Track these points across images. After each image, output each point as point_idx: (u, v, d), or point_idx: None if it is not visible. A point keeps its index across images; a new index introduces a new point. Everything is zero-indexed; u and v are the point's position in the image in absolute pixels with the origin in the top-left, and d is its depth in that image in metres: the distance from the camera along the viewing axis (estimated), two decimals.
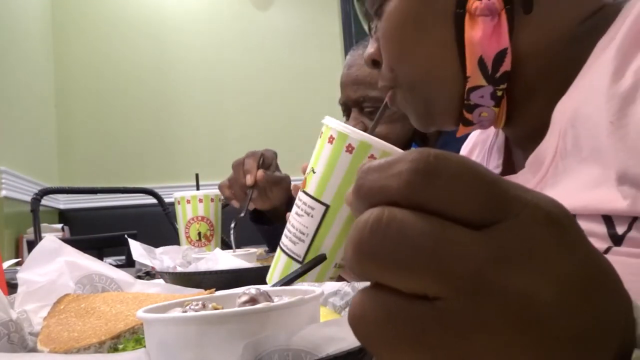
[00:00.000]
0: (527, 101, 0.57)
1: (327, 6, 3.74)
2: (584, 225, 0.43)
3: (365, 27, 0.65)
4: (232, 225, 1.04)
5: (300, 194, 0.59)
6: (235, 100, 3.47)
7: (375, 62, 0.63)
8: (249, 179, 1.09)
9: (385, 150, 0.55)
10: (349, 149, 0.55)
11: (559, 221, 0.21)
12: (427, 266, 0.19)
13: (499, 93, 0.55)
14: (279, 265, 0.60)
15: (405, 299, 0.20)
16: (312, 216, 0.57)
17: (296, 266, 0.58)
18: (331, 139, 0.57)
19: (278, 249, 0.61)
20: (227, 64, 3.49)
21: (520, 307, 0.19)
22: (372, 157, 0.55)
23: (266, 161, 1.11)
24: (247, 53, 3.52)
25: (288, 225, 0.60)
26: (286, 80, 3.52)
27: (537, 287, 0.19)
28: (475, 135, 0.76)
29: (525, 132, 0.60)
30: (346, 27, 3.73)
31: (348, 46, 3.66)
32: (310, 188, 0.58)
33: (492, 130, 0.71)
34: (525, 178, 0.53)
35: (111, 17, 3.39)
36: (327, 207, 0.56)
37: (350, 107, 1.24)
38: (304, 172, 0.60)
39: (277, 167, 1.16)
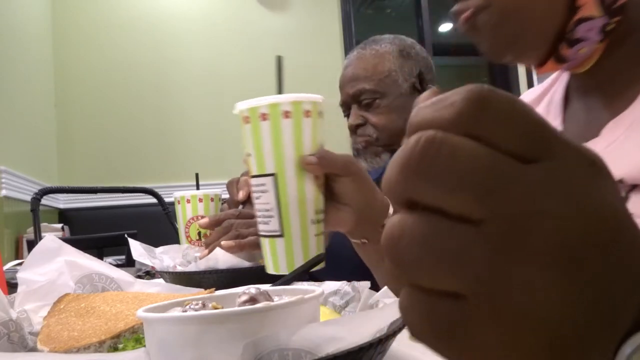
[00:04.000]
0: (619, 45, 0.54)
1: (327, 6, 3.74)
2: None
3: None
4: None
5: (251, 182, 0.62)
6: (235, 100, 3.44)
7: None
8: (241, 195, 1.08)
9: (296, 101, 0.60)
10: (264, 117, 0.60)
11: (599, 168, 0.21)
12: (476, 189, 0.20)
13: (609, 27, 0.52)
14: (265, 250, 0.62)
15: (449, 219, 0.20)
16: (267, 191, 0.61)
17: (280, 242, 0.60)
18: (246, 119, 0.61)
19: (260, 239, 0.63)
20: (227, 64, 3.49)
21: (555, 235, 0.20)
22: (286, 113, 0.59)
23: None
24: (247, 53, 3.52)
25: (256, 213, 0.63)
26: (286, 80, 3.51)
27: (569, 216, 0.20)
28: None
29: (600, 80, 0.57)
30: (346, 27, 3.73)
31: (348, 46, 3.66)
32: (253, 170, 0.62)
33: (545, 87, 0.68)
34: (593, 143, 0.52)
35: (111, 17, 3.38)
36: (274, 174, 0.60)
37: (350, 104, 1.26)
38: (245, 162, 0.63)
39: None
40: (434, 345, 0.21)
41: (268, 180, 0.60)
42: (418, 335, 0.21)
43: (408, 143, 0.21)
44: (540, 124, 0.21)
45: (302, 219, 0.60)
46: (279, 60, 0.66)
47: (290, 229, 0.60)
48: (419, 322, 0.21)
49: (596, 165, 0.21)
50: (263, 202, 0.61)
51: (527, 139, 0.20)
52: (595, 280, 0.20)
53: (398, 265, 0.21)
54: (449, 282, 0.20)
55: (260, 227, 0.62)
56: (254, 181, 0.62)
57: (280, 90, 0.66)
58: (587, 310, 0.20)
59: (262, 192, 0.61)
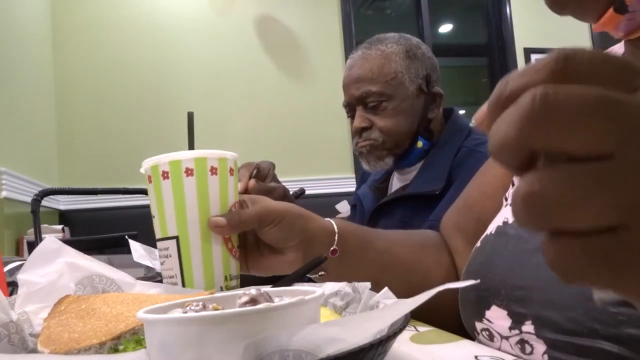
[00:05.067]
0: None
1: (327, 6, 3.74)
2: None
3: None
4: None
5: (157, 245, 0.59)
6: (235, 101, 3.47)
7: None
8: (240, 187, 1.08)
9: (199, 157, 0.57)
10: (165, 175, 0.57)
11: None
12: (602, 121, 0.20)
13: None
14: None
15: (582, 161, 0.21)
16: (170, 255, 0.57)
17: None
18: (150, 179, 0.58)
19: None
20: (227, 64, 3.49)
21: None
22: (189, 171, 0.56)
23: (262, 172, 1.10)
24: (247, 53, 3.52)
25: (163, 280, 0.59)
26: (286, 80, 3.52)
27: None
28: None
29: None
30: (346, 27, 3.73)
31: (348, 46, 3.67)
32: (157, 233, 0.58)
33: None
34: None
35: (111, 17, 3.39)
36: (176, 237, 0.56)
37: (355, 105, 1.25)
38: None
39: (275, 177, 1.15)
40: (598, 280, 0.21)
41: (171, 244, 0.56)
42: (579, 277, 0.21)
43: (521, 101, 0.21)
44: (619, 58, 0.22)
45: (207, 287, 0.56)
46: (190, 117, 0.63)
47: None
48: (580, 264, 0.21)
49: None
50: (166, 267, 0.57)
51: (624, 74, 0.21)
52: None
53: (547, 220, 0.21)
54: (604, 217, 0.20)
55: None
56: (158, 245, 0.58)
57: (191, 147, 0.61)
58: None
59: (166, 257, 0.57)
